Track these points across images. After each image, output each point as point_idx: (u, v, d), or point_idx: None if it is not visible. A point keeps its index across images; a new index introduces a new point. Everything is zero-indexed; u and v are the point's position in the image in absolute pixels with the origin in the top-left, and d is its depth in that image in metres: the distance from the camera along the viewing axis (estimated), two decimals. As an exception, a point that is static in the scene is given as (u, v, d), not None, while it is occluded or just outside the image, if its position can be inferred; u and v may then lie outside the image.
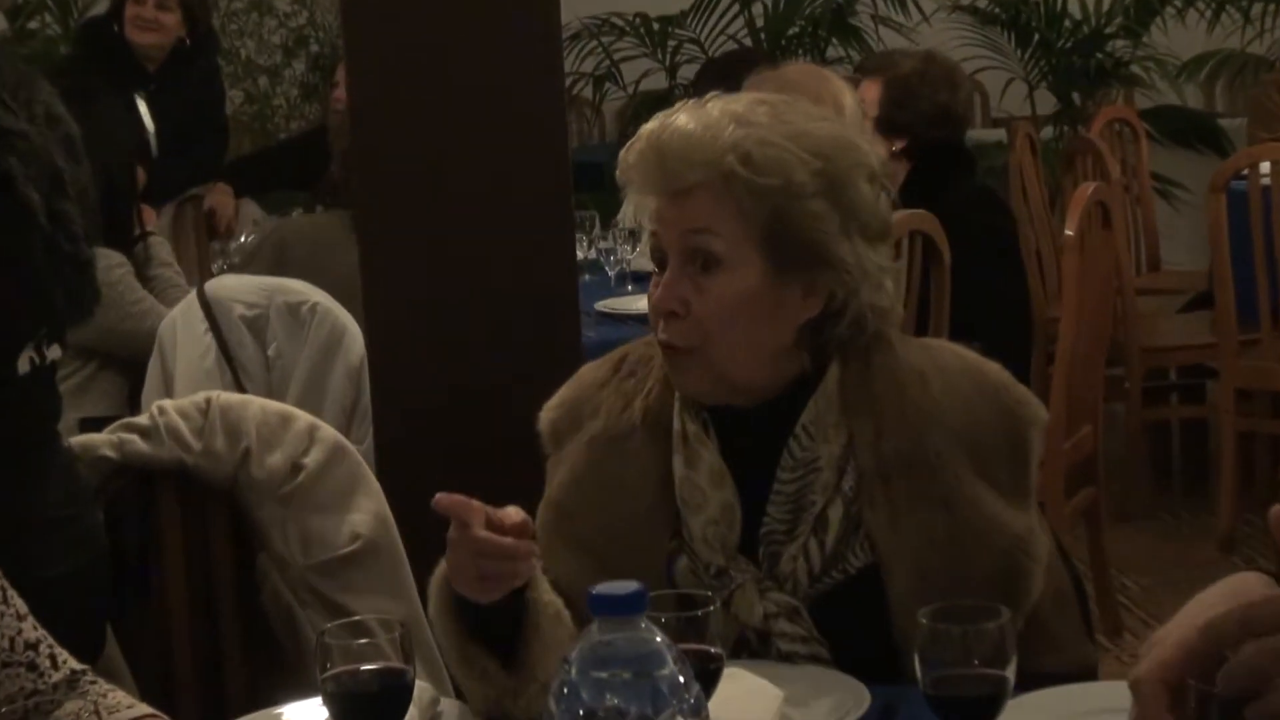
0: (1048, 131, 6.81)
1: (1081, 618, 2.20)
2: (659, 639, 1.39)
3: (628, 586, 1.38)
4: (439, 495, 1.86)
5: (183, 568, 2.56)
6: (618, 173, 2.12)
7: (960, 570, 1.99)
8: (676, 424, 2.11)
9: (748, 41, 7.09)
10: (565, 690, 1.36)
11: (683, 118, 2.04)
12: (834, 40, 6.99)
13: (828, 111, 2.18)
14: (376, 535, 2.63)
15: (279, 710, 1.99)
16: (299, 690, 2.04)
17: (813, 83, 3.34)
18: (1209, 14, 7.04)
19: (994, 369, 2.12)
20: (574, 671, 1.37)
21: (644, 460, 2.12)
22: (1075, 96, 7.06)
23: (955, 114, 4.27)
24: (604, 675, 1.36)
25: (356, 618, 1.87)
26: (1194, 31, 7.09)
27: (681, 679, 1.37)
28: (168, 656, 2.57)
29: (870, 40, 6.99)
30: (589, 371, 2.24)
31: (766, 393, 2.07)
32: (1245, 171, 4.77)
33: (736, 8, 7.13)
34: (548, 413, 2.23)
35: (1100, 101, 7.01)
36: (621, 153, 2.11)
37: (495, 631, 1.95)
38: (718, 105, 2.06)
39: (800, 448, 2.06)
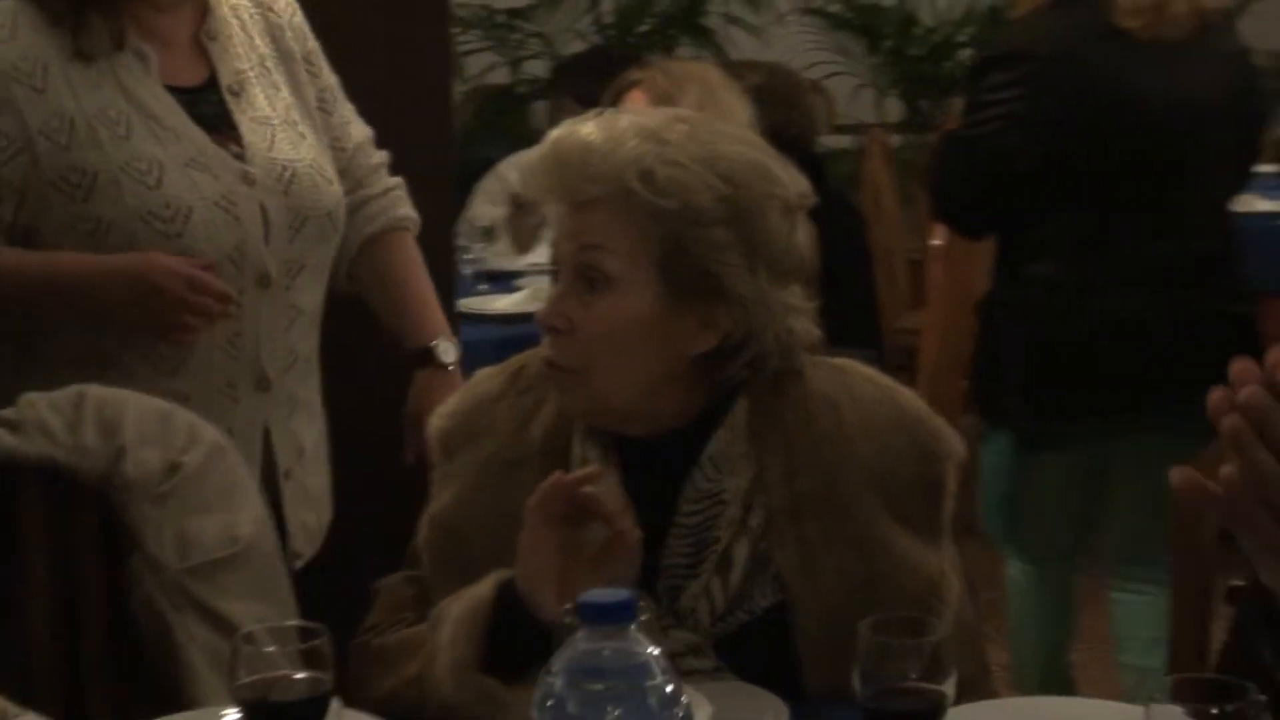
0: (895, 139, 6.80)
1: (981, 653, 2.14)
2: (649, 649, 1.32)
3: (618, 594, 1.32)
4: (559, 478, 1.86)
5: (47, 572, 2.37)
6: (521, 177, 2.04)
7: (870, 612, 1.84)
8: (576, 450, 2.01)
9: (595, 39, 6.98)
10: (550, 701, 1.31)
11: (589, 127, 1.96)
12: (684, 39, 6.91)
13: (752, 136, 2.07)
14: (255, 539, 2.47)
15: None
16: (169, 704, 1.94)
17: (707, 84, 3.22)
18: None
19: (909, 398, 2.05)
20: (559, 682, 1.30)
21: (539, 485, 1.98)
22: (923, 104, 7.06)
23: (788, 135, 4.10)
24: (592, 686, 1.29)
25: (287, 623, 1.75)
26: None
27: (670, 690, 1.31)
28: (27, 668, 2.38)
29: (721, 40, 6.91)
30: (483, 381, 2.13)
31: (668, 422, 1.98)
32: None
33: (585, 3, 7.02)
34: (439, 420, 2.12)
35: (948, 110, 7.01)
36: (525, 157, 2.04)
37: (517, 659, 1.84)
38: (630, 118, 1.97)
39: (705, 479, 1.96)
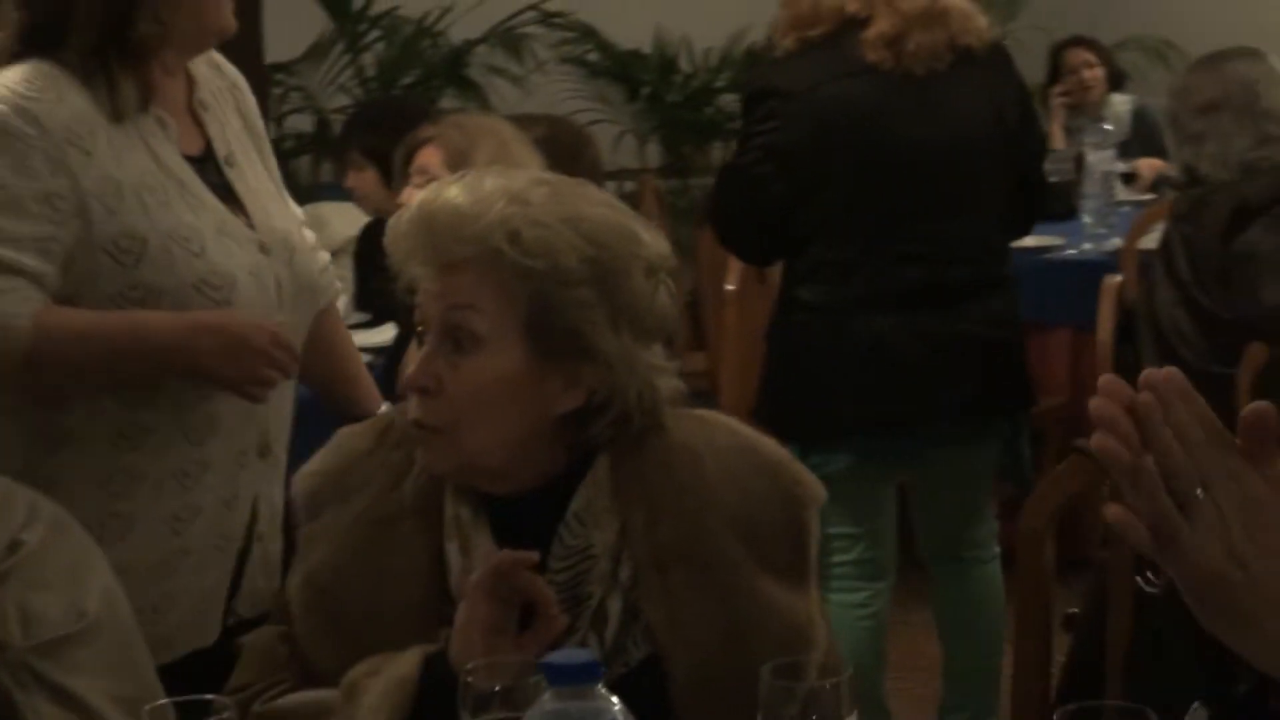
0: (660, 185, 6.89)
1: None
2: (615, 707, 1.34)
3: (582, 655, 1.35)
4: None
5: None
6: (386, 240, 2.02)
7: (740, 661, 1.89)
8: (449, 509, 2.00)
9: (359, 92, 6.94)
10: (522, 760, 1.31)
11: (455, 190, 1.96)
12: (448, 91, 6.91)
13: (610, 198, 2.09)
14: (104, 613, 2.41)
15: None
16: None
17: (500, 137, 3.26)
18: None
19: (769, 445, 2.06)
20: (530, 744, 1.28)
21: (414, 546, 2.00)
22: (685, 149, 7.16)
23: None
24: (562, 745, 1.28)
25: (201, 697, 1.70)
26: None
27: (638, 746, 1.30)
28: None
29: (485, 91, 6.93)
30: (350, 438, 2.11)
31: (534, 479, 1.99)
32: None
33: (347, 57, 6.98)
34: (306, 479, 2.09)
35: (709, 155, 7.13)
36: (391, 220, 2.01)
37: None
38: (494, 180, 1.98)
39: (571, 535, 1.96)
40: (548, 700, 1.33)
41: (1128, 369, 3.57)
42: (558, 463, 1.99)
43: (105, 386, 2.45)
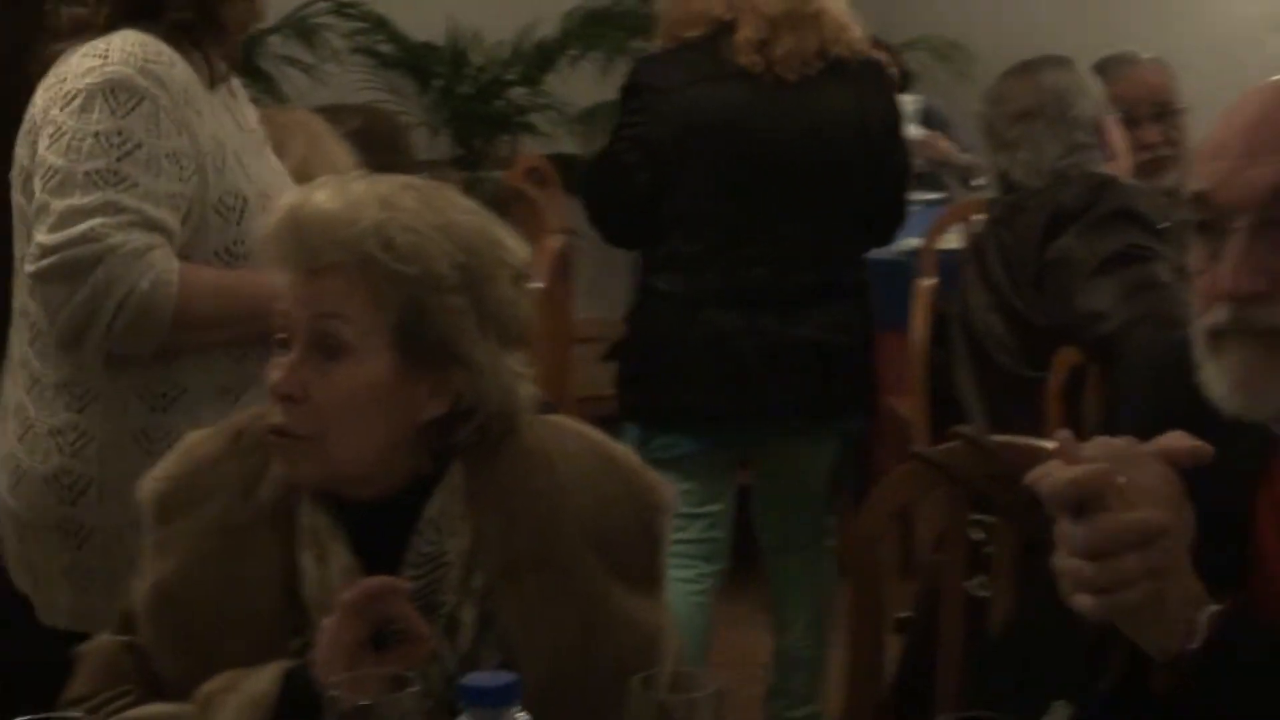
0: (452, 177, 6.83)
1: None
2: None
3: (500, 678, 1.36)
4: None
5: None
6: (251, 243, 2.05)
7: (591, 668, 1.94)
8: (305, 518, 1.98)
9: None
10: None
11: (323, 194, 1.95)
12: (241, 81, 6.74)
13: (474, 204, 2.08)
14: None
15: None
16: None
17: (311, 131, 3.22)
18: (603, 63, 7.25)
19: (621, 451, 2.08)
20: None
21: (267, 555, 1.98)
22: (476, 142, 7.10)
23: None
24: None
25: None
26: (588, 81, 7.26)
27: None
28: None
29: (277, 81, 6.80)
30: (199, 444, 2.08)
31: (393, 485, 1.98)
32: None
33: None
34: (153, 483, 2.05)
35: (499, 148, 7.08)
36: (259, 224, 2.01)
37: None
38: (363, 185, 1.97)
39: (426, 543, 1.96)
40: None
41: (940, 372, 3.65)
42: (418, 468, 1.99)
43: (219, 342, 2.52)
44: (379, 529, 1.97)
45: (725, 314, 3.59)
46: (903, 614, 2.69)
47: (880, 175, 3.70)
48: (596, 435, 2.11)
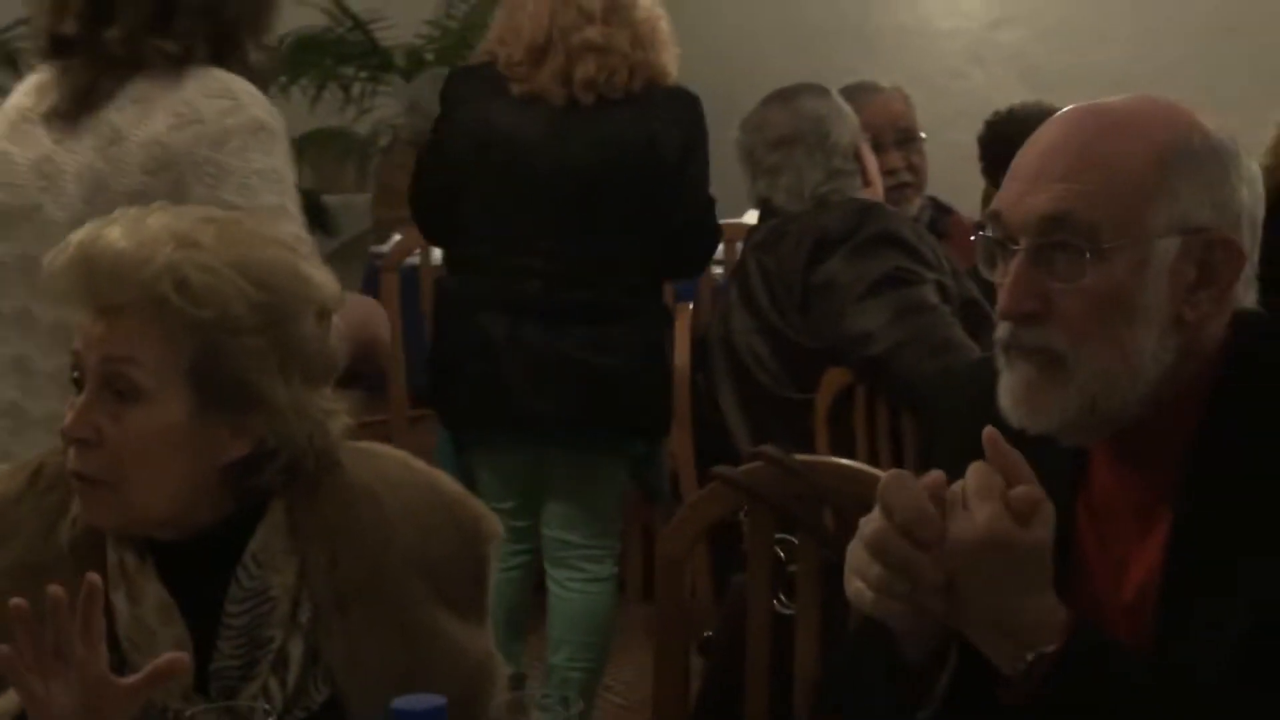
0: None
1: None
2: None
3: (431, 700, 1.41)
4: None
5: None
6: (42, 278, 1.93)
7: None
8: (112, 556, 1.94)
9: None
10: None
11: (116, 230, 1.89)
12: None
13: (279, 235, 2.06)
14: None
15: None
16: None
17: None
18: (312, 92, 7.16)
19: (444, 480, 2.08)
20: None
21: (73, 593, 1.86)
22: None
23: None
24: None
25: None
26: (298, 109, 7.17)
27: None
28: None
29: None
30: None
31: (201, 525, 1.94)
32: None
33: None
34: None
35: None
36: (49, 257, 1.92)
37: None
38: (159, 219, 1.92)
39: (249, 577, 1.93)
40: None
41: (699, 394, 3.70)
42: (226, 508, 1.95)
43: None
44: (194, 565, 1.93)
45: (494, 320, 3.69)
46: (707, 634, 2.72)
47: (675, 204, 3.74)
48: (419, 465, 2.10)
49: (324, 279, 1.99)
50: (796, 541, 2.53)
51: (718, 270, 4.66)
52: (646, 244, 3.74)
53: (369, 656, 1.94)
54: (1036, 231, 1.75)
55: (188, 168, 2.50)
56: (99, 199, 2.49)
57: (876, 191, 3.72)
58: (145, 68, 2.56)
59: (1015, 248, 1.77)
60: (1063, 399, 1.76)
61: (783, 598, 2.55)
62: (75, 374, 1.92)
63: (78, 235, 1.92)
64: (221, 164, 2.49)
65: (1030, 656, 1.68)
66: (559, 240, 3.68)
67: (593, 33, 3.66)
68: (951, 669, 1.76)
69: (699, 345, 3.75)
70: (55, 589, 1.73)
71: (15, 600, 1.72)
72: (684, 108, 3.74)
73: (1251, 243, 1.78)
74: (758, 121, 3.70)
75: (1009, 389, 1.80)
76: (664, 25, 3.73)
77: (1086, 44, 6.69)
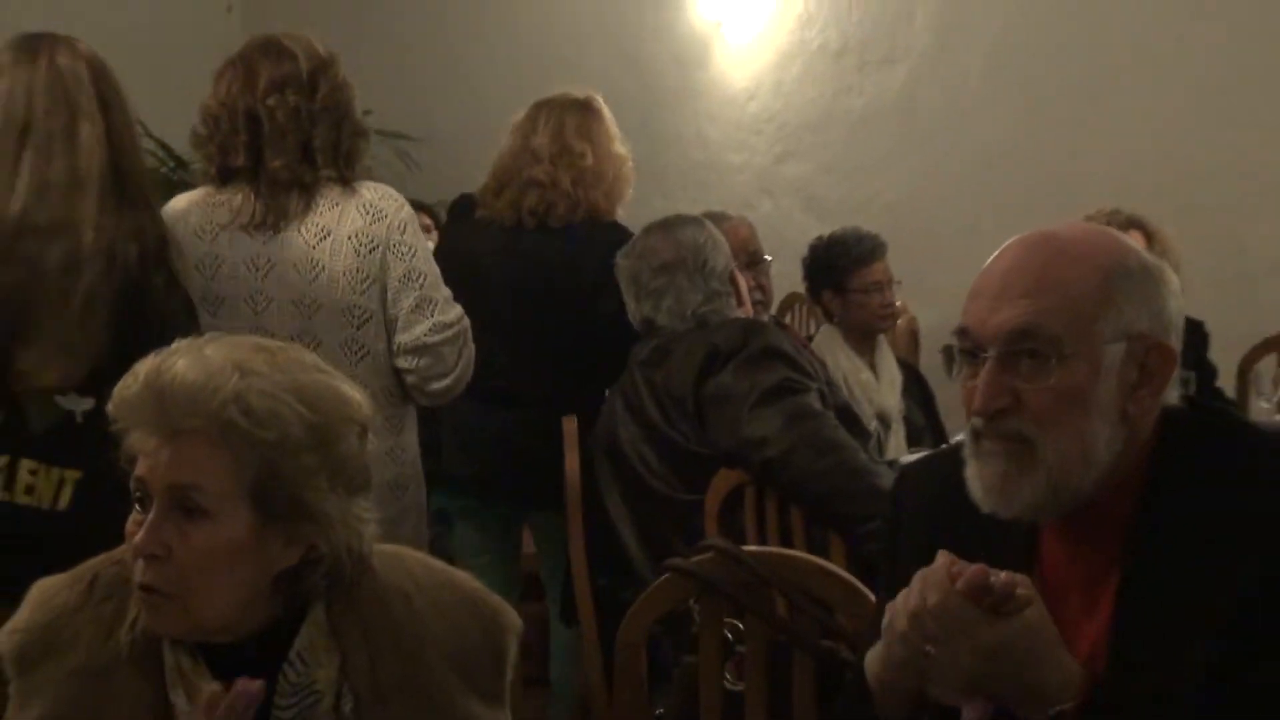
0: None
1: None
2: None
3: None
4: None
5: None
6: (110, 407, 2.09)
7: None
8: (169, 659, 2.09)
9: None
10: None
11: (183, 362, 2.06)
12: None
13: (316, 359, 2.23)
14: None
15: None
16: None
17: None
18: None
19: (464, 578, 2.28)
20: None
21: (134, 694, 2.08)
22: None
23: None
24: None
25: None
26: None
27: None
28: None
29: None
30: (54, 593, 2.16)
31: (250, 629, 2.10)
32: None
33: None
34: (12, 636, 2.13)
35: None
36: (118, 388, 2.08)
37: None
38: (218, 350, 2.09)
39: (296, 674, 2.10)
40: None
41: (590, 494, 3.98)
42: (274, 612, 2.10)
43: None
44: (243, 665, 2.07)
45: (474, 408, 4.22)
46: (659, 711, 2.97)
47: (593, 317, 4.30)
48: (437, 564, 2.29)
49: (361, 399, 2.16)
50: (742, 625, 2.81)
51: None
52: (574, 346, 4.30)
53: None
54: (1005, 342, 2.04)
55: (387, 249, 3.56)
56: (319, 278, 3.52)
57: (748, 310, 4.05)
58: (314, 187, 3.56)
59: (984, 355, 2.06)
60: (1032, 484, 2.03)
61: (729, 676, 2.83)
62: (138, 494, 2.07)
63: (144, 366, 2.07)
64: (407, 243, 3.59)
65: (1053, 711, 1.93)
66: (501, 337, 4.27)
67: (539, 171, 4.35)
68: None
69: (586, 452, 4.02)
70: None
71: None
72: (606, 238, 4.27)
73: (1179, 346, 2.09)
74: (641, 249, 4.00)
75: (981, 479, 2.07)
76: (614, 170, 4.38)
77: (862, 176, 7.15)
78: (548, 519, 4.31)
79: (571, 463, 3.97)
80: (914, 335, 6.22)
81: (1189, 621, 1.96)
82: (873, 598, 2.68)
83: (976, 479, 2.08)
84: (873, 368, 5.04)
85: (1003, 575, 1.96)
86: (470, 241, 4.42)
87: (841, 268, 5.00)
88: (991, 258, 2.13)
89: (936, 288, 6.39)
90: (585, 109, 4.45)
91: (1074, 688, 1.95)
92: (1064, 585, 2.07)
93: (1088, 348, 2.03)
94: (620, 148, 4.46)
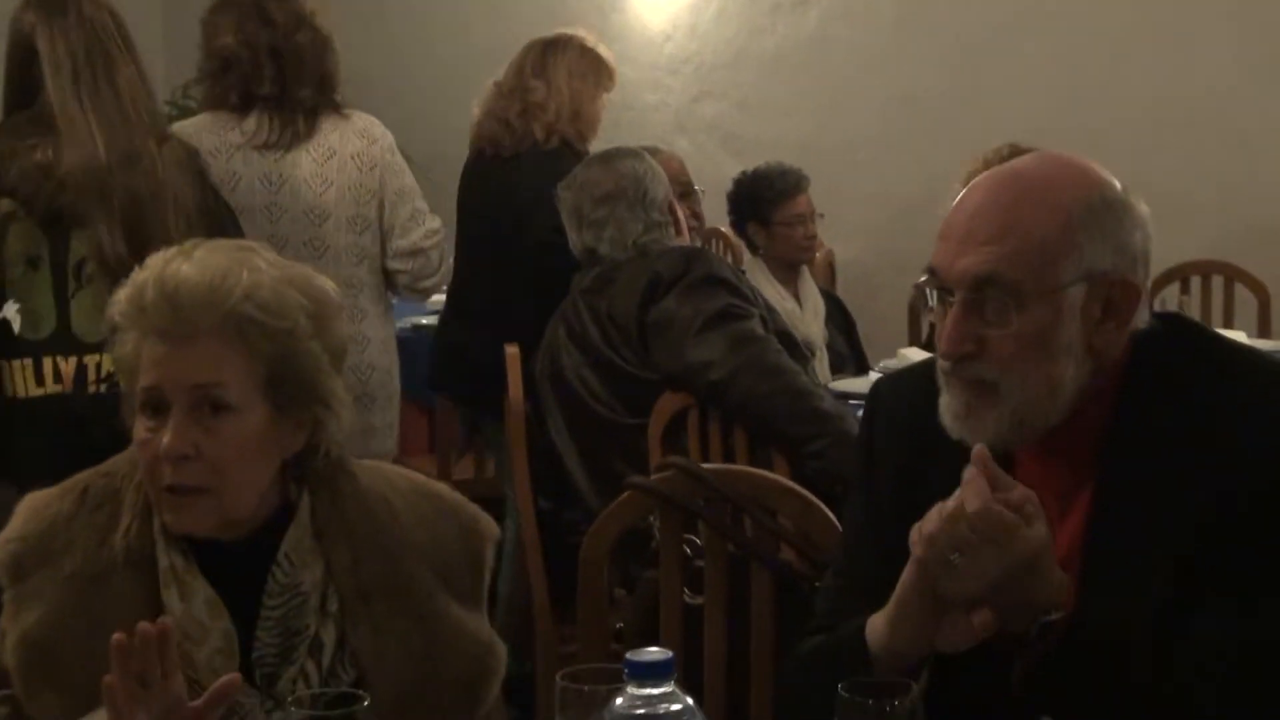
0: None
1: None
2: (688, 700, 1.64)
3: (661, 654, 1.64)
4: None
5: None
6: (117, 315, 2.14)
7: (436, 678, 2.21)
8: (163, 561, 2.16)
9: None
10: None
11: (186, 267, 2.12)
12: None
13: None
14: None
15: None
16: None
17: None
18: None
19: (444, 489, 2.36)
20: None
21: (130, 597, 2.13)
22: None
23: None
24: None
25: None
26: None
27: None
28: None
29: None
30: (46, 504, 2.21)
31: (250, 526, 2.18)
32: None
33: None
34: (6, 545, 2.18)
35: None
36: (123, 297, 2.14)
37: None
38: (215, 254, 2.16)
39: (284, 574, 2.17)
40: (633, 691, 1.61)
41: (531, 422, 4.05)
42: (272, 505, 2.19)
43: None
44: (233, 566, 2.15)
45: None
46: (618, 624, 3.05)
47: (527, 241, 4.73)
48: (418, 476, 2.37)
49: (332, 285, 2.26)
50: (699, 541, 2.90)
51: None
52: (512, 266, 4.69)
53: (392, 641, 2.18)
54: (969, 288, 2.08)
55: (383, 168, 4.11)
56: (328, 192, 4.03)
57: (686, 239, 4.14)
58: (319, 112, 4.07)
59: (951, 299, 2.11)
60: (996, 418, 2.09)
61: (687, 591, 2.91)
62: (148, 401, 2.12)
63: (148, 275, 2.13)
64: (398, 163, 4.16)
65: (1044, 620, 1.99)
66: (461, 254, 4.81)
67: (498, 104, 4.81)
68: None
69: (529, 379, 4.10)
70: (139, 627, 1.90)
71: (116, 635, 1.90)
72: (542, 166, 4.61)
73: (1145, 276, 2.15)
74: (582, 181, 4.07)
75: (950, 409, 2.13)
76: (561, 103, 4.78)
77: (776, 115, 7.27)
78: (498, 430, 4.36)
79: (515, 390, 4.04)
80: (830, 268, 6.34)
81: (1160, 526, 2.05)
82: (827, 511, 2.78)
83: (947, 410, 2.15)
84: (796, 298, 5.15)
85: (1020, 488, 2.01)
86: (465, 173, 4.96)
87: (766, 200, 5.10)
88: (960, 195, 2.18)
89: (850, 222, 6.54)
90: (549, 46, 4.86)
91: (1062, 598, 2.02)
92: (1039, 495, 2.09)
93: (1050, 291, 2.08)
94: (578, 82, 4.80)
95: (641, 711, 1.60)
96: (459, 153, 5.04)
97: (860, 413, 2.45)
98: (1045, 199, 2.10)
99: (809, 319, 5.10)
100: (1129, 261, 2.13)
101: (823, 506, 2.78)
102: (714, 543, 2.85)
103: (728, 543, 2.83)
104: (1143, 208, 2.18)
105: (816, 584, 2.70)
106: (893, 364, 4.90)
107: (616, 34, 7.56)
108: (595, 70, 4.84)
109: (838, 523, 2.73)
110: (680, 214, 4.11)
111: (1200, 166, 6.39)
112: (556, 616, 3.84)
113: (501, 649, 2.30)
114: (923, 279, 2.17)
